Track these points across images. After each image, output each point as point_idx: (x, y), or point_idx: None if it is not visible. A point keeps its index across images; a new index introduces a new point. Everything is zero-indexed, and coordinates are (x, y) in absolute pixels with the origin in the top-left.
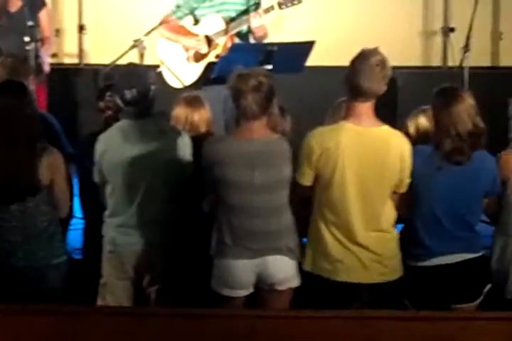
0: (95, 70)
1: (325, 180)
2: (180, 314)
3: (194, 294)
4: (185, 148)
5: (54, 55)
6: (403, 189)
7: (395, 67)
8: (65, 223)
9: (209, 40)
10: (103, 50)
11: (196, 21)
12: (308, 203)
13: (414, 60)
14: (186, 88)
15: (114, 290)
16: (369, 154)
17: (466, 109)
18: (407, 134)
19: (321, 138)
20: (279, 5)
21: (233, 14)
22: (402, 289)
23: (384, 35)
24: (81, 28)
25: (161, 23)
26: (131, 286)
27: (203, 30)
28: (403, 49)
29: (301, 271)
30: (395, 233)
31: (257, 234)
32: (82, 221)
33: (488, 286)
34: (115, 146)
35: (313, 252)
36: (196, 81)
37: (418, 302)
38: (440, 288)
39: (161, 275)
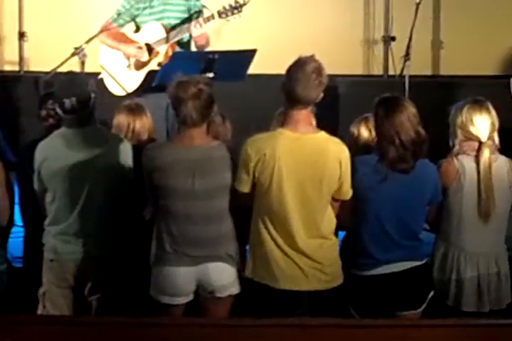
0: (36, 78)
1: (263, 186)
2: (121, 323)
3: (136, 302)
4: (126, 155)
5: None
6: (345, 196)
7: (336, 76)
8: (5, 231)
9: (150, 48)
10: (44, 57)
11: (137, 29)
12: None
13: (356, 69)
14: (128, 96)
15: (55, 298)
16: (306, 160)
17: (409, 118)
18: (355, 141)
19: (258, 145)
20: (219, 14)
21: (174, 22)
22: (347, 298)
23: (325, 43)
24: (21, 35)
25: (101, 31)
26: (72, 295)
27: (143, 37)
28: (344, 57)
29: (242, 278)
30: (335, 240)
31: (197, 241)
32: (22, 229)
33: (431, 293)
34: (55, 154)
35: (254, 259)
36: (137, 88)
37: (364, 310)
38: (385, 295)
39: (102, 283)
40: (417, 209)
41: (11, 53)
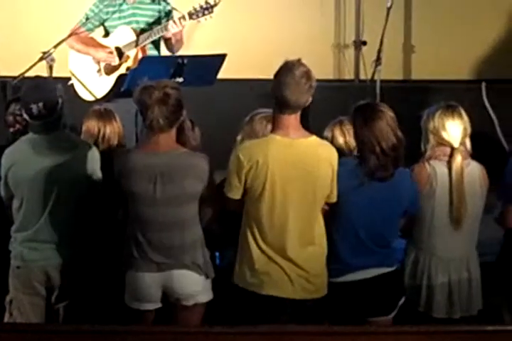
0: (3, 82)
1: (255, 193)
2: (88, 330)
3: (110, 309)
4: (94, 162)
5: None
6: (333, 199)
7: None
8: None
9: (120, 52)
10: (11, 61)
11: (106, 33)
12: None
13: (327, 73)
14: (98, 101)
15: (22, 306)
16: (299, 165)
17: (388, 123)
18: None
19: (250, 152)
20: (190, 15)
21: (144, 26)
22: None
23: (297, 48)
24: None
25: (70, 35)
26: (40, 302)
27: (113, 42)
28: (316, 62)
29: (232, 284)
30: (324, 248)
31: (161, 248)
32: None
33: (402, 300)
34: (22, 160)
35: (240, 265)
36: (108, 93)
37: (336, 317)
38: (356, 302)
39: (70, 290)
40: (392, 218)
41: None
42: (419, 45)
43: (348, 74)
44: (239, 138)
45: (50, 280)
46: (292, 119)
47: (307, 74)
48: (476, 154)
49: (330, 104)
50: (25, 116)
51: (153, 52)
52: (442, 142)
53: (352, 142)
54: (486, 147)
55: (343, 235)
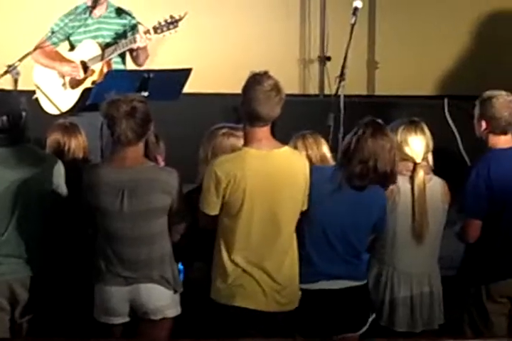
0: None
1: (233, 207)
2: None
3: (77, 323)
4: (60, 175)
5: None
6: (305, 206)
7: None
8: None
9: (85, 66)
10: None
11: (72, 47)
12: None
13: (292, 88)
14: (62, 114)
15: None
16: (276, 177)
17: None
18: None
19: (226, 167)
20: (155, 30)
21: (109, 40)
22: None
23: (261, 62)
24: None
25: (35, 49)
26: (4, 317)
27: (78, 56)
28: (280, 76)
29: (210, 299)
30: (296, 255)
31: (128, 262)
32: None
33: (373, 316)
34: None
35: (215, 279)
36: (72, 107)
37: (305, 330)
38: (323, 315)
39: (34, 305)
40: (362, 228)
41: None
42: (383, 61)
43: (313, 89)
44: (201, 153)
45: (14, 295)
46: (265, 131)
47: (276, 86)
48: (438, 169)
49: (294, 119)
50: None
51: (118, 66)
52: (405, 157)
53: (314, 155)
54: (448, 162)
55: (315, 240)
